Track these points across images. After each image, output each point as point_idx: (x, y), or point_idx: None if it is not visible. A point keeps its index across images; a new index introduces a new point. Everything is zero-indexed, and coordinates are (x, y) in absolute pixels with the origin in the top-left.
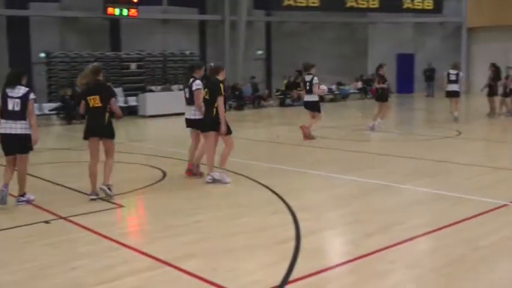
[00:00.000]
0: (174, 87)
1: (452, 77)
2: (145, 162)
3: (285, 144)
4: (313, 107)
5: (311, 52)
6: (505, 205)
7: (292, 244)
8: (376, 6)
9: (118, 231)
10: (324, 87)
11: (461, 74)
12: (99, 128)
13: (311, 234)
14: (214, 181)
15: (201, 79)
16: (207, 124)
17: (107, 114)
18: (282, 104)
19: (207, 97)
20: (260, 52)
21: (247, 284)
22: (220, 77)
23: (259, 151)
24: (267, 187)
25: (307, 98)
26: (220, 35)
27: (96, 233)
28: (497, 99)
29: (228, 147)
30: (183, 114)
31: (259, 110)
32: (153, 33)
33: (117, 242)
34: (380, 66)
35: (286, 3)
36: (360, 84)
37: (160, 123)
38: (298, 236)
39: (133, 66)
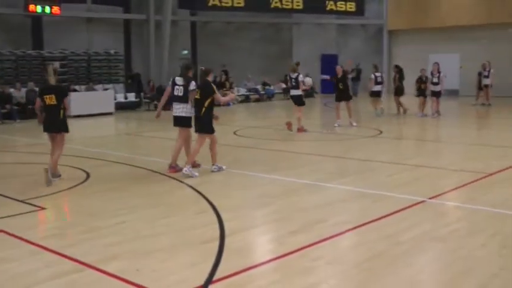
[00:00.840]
0: (99, 86)
1: (379, 79)
2: (69, 163)
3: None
4: (298, 100)
5: (237, 52)
6: (422, 201)
7: (216, 244)
8: (300, 7)
9: (39, 234)
10: (309, 82)
11: (383, 75)
12: (56, 123)
13: (235, 233)
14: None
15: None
16: (196, 125)
17: (62, 111)
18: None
19: (197, 97)
20: (185, 52)
21: (171, 284)
22: (210, 78)
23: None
24: (191, 187)
25: (293, 92)
26: (146, 35)
27: (16, 237)
28: (405, 99)
29: (214, 143)
30: (108, 114)
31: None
32: (77, 31)
33: (39, 246)
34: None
35: (211, 3)
36: (283, 85)
37: (84, 123)
38: (223, 236)
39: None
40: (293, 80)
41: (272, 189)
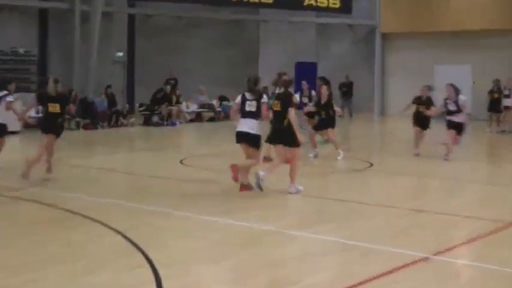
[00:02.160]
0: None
1: None
2: None
3: (144, 176)
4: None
5: (187, 56)
6: (425, 258)
7: None
8: (269, 1)
9: None
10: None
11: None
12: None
13: None
14: (298, 191)
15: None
16: (275, 136)
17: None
18: (148, 122)
19: (277, 108)
20: (120, 54)
21: None
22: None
23: (112, 185)
24: (121, 233)
25: None
26: (68, 29)
27: None
28: None
29: (297, 159)
30: (13, 133)
31: (117, 130)
32: None
33: None
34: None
35: None
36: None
37: None
38: None
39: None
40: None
41: (228, 237)
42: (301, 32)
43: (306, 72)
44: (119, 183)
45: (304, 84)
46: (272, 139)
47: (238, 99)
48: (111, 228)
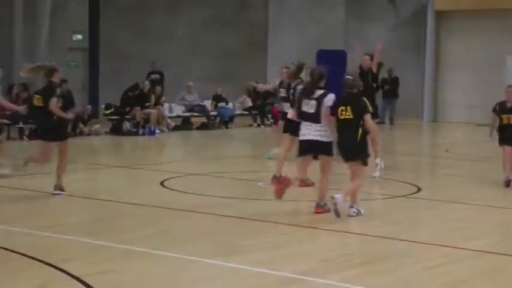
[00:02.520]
0: None
1: None
2: None
3: (111, 202)
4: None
5: (172, 41)
6: None
7: None
8: None
9: None
10: None
11: None
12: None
13: None
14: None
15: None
16: (346, 151)
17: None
18: (117, 130)
19: (348, 117)
20: (79, 37)
21: None
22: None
23: (68, 214)
24: (79, 280)
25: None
26: (8, 5)
27: None
28: None
29: (361, 179)
30: None
31: (74, 141)
32: None
33: None
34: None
35: None
36: (249, 101)
37: None
38: None
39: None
40: (292, 91)
41: (226, 286)
42: (326, 11)
43: (332, 63)
44: (77, 213)
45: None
46: (345, 155)
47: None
48: (65, 273)
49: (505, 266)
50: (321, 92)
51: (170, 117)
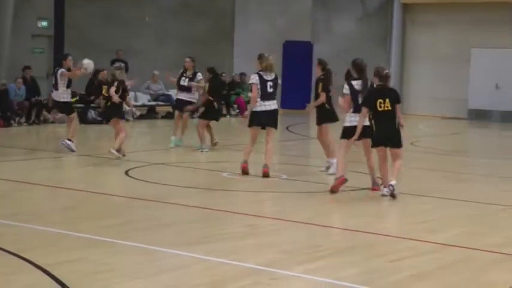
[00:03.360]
0: None
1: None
2: None
3: (77, 191)
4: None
5: (137, 29)
6: None
7: None
8: None
9: None
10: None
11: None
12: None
13: None
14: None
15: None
16: (386, 140)
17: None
18: (82, 118)
19: (387, 108)
20: (44, 24)
21: None
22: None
23: (32, 203)
24: (43, 269)
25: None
26: None
27: None
28: None
29: (402, 159)
30: None
31: (38, 128)
32: None
33: None
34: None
35: None
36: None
37: None
38: None
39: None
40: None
41: (189, 276)
42: (293, 1)
43: (297, 55)
44: (42, 202)
45: (188, 61)
46: (385, 143)
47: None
48: (29, 262)
49: (469, 258)
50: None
51: (135, 106)
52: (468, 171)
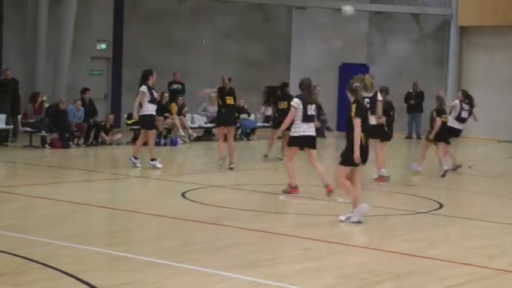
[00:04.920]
0: None
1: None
2: None
3: (134, 213)
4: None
5: (193, 51)
6: None
7: None
8: None
9: None
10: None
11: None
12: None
13: None
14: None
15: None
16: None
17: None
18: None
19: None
20: (103, 46)
21: None
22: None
23: (90, 225)
24: None
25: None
26: (29, 11)
27: None
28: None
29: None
30: None
31: (96, 150)
32: None
33: None
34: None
35: None
36: (269, 110)
37: None
38: None
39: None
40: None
41: None
42: (349, 23)
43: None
44: (98, 223)
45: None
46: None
47: None
48: (87, 284)
49: None
50: None
51: (192, 128)
52: None
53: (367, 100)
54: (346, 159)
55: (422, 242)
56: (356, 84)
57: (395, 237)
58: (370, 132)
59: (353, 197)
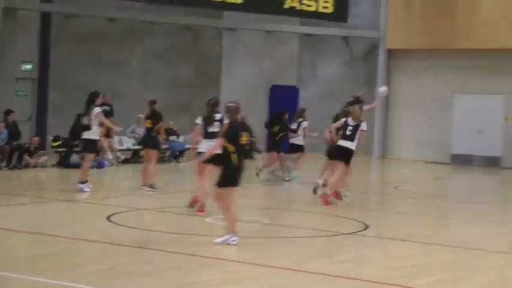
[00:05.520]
0: None
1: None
2: None
3: (60, 238)
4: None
5: (123, 73)
6: None
7: None
8: (238, 1)
9: None
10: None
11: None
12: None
13: None
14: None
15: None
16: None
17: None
18: (64, 162)
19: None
20: (28, 67)
21: None
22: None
23: (12, 251)
24: None
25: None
26: None
27: None
28: None
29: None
30: None
31: (20, 173)
32: None
33: None
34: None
35: None
36: None
37: None
38: None
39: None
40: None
41: None
42: (279, 44)
43: (283, 99)
44: (22, 249)
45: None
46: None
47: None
48: None
49: None
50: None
51: (120, 150)
52: (450, 216)
53: (350, 128)
54: (223, 181)
55: (348, 263)
56: (231, 105)
57: (322, 258)
58: (244, 153)
59: (229, 220)
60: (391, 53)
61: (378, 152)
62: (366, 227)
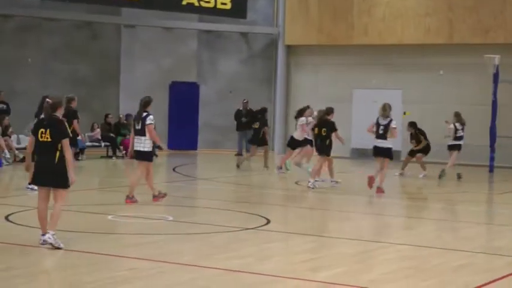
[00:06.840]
0: None
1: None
2: None
3: None
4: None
5: (19, 71)
6: None
7: None
8: None
9: None
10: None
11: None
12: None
13: None
14: None
15: None
16: None
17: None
18: None
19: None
20: None
21: None
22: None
23: None
24: None
25: (381, 144)
26: None
27: None
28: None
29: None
30: None
31: None
32: None
33: None
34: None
35: None
36: (98, 134)
37: None
38: None
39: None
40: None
41: None
42: (179, 41)
43: (184, 96)
44: None
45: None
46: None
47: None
48: None
49: None
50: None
51: (18, 149)
52: (350, 210)
53: (381, 127)
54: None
55: (249, 258)
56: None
57: (223, 253)
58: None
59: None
60: (290, 50)
61: (280, 147)
62: (268, 222)
